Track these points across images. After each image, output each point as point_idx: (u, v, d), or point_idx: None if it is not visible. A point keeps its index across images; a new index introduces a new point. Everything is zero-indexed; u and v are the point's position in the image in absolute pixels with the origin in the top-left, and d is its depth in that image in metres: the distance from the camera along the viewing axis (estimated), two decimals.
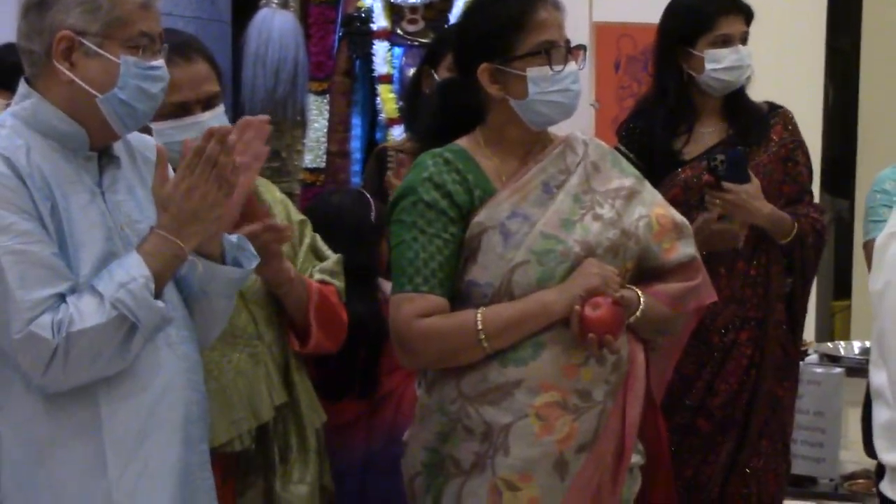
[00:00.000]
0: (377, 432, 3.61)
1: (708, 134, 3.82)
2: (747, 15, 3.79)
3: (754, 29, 3.89)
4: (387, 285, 3.34)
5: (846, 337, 7.20)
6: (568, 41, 2.88)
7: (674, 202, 3.22)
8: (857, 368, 4.62)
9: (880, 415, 2.67)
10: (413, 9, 5.28)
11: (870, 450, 3.45)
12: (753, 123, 3.82)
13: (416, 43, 5.28)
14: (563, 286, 2.79)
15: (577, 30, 3.68)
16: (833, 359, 4.85)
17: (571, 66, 2.87)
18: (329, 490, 3.31)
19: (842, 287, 8.34)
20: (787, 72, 6.03)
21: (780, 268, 3.80)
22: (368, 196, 3.80)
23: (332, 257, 3.35)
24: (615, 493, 2.87)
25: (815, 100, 6.73)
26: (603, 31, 4.93)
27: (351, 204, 3.76)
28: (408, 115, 4.49)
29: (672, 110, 3.80)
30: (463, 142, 2.91)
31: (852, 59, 8.11)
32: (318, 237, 3.37)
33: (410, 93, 4.35)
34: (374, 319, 3.53)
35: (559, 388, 2.79)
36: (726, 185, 3.64)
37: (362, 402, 3.62)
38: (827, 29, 6.87)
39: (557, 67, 2.84)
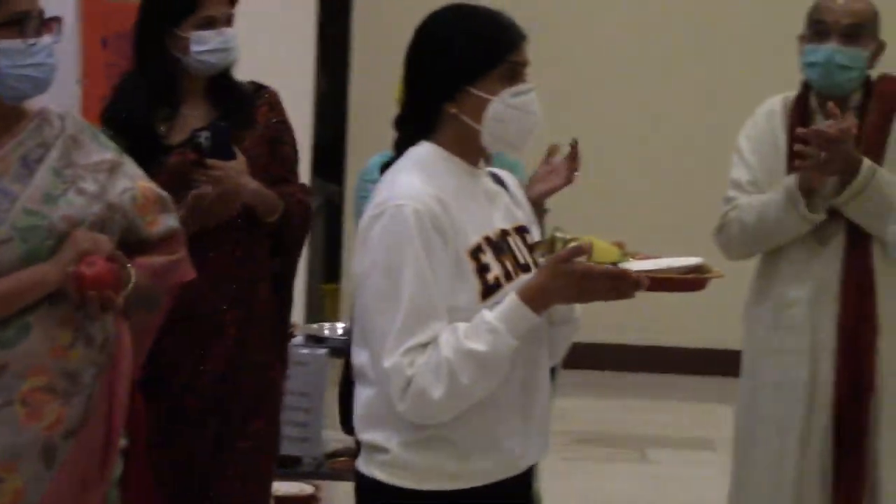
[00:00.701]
0: None
1: (193, 117, 3.75)
2: None
3: (245, 13, 3.89)
4: None
5: (336, 319, 7.38)
6: (42, 12, 2.77)
7: (163, 188, 3.20)
8: (341, 349, 4.72)
9: (361, 393, 2.73)
10: None
11: (347, 427, 3.55)
12: (239, 105, 3.80)
13: None
14: (54, 257, 2.71)
15: (63, 4, 3.56)
16: (318, 340, 4.94)
17: (46, 38, 2.77)
18: None
19: (332, 270, 8.55)
20: (278, 57, 6.11)
21: (265, 247, 3.82)
22: None
23: None
24: (104, 478, 2.82)
25: (307, 85, 6.86)
26: (90, 6, 4.82)
27: None
28: None
29: (154, 92, 3.73)
30: None
31: (342, 46, 8.32)
32: None
33: None
34: None
35: (47, 372, 2.71)
36: (211, 161, 3.63)
37: None
38: (318, 15, 7.01)
39: (31, 40, 2.74)
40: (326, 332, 5.01)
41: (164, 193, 2.97)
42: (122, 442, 2.91)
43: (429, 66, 2.72)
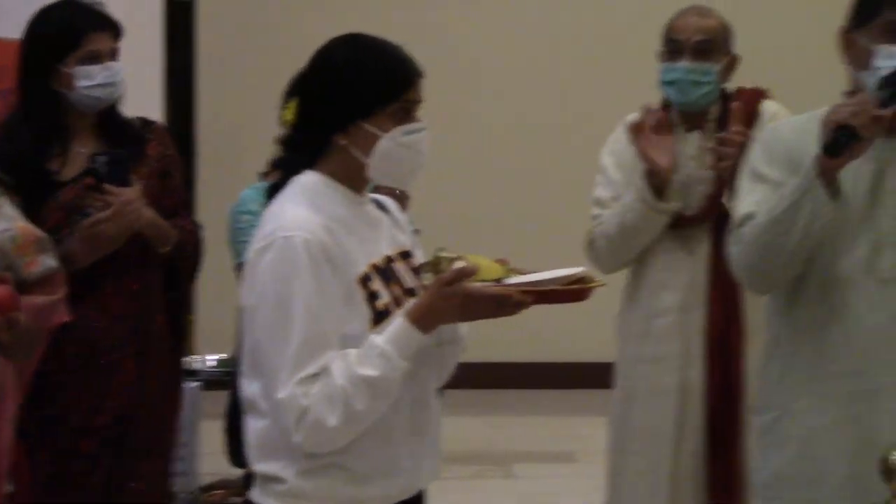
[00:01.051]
0: None
1: (84, 153, 3.71)
2: (116, 31, 3.76)
3: None
4: None
5: (191, 351, 7.31)
6: None
7: (56, 227, 3.15)
8: (214, 381, 4.70)
9: (253, 425, 2.72)
10: None
11: (236, 459, 3.52)
12: (129, 139, 3.78)
13: None
14: None
15: None
16: (190, 373, 4.91)
17: None
18: None
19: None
20: (128, 90, 6.04)
21: (160, 280, 3.80)
22: None
23: None
24: None
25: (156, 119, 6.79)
26: None
27: None
28: None
29: (42, 130, 3.68)
30: None
31: (187, 82, 8.26)
32: None
33: None
34: None
35: None
36: (108, 187, 3.59)
37: None
38: (163, 48, 6.96)
39: None
40: (197, 366, 4.99)
41: (43, 234, 2.95)
42: (7, 487, 2.87)
43: (323, 98, 2.71)
